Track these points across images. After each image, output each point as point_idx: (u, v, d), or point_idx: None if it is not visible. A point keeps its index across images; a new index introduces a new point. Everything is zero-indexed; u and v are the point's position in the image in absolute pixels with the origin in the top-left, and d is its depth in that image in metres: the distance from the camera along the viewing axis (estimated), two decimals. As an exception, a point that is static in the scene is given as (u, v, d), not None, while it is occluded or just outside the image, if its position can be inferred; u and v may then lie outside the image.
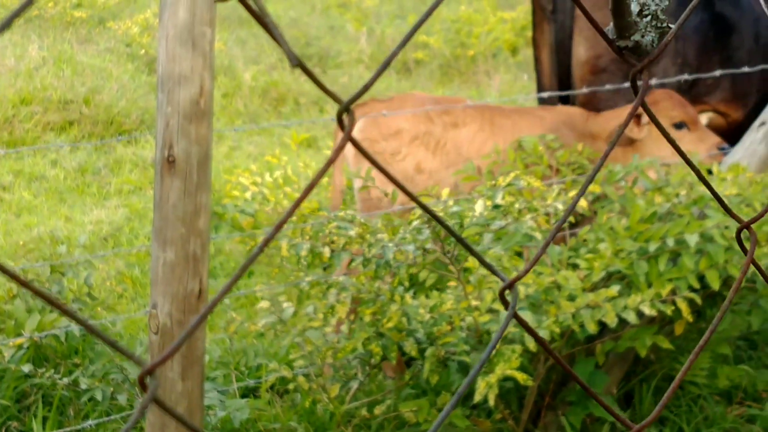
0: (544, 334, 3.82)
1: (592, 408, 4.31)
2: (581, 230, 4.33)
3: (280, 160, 5.23)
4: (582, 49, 5.51)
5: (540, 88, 5.81)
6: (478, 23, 11.57)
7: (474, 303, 3.93)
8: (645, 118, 5.11)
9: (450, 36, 11.43)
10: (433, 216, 0.93)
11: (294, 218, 4.23)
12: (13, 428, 4.36)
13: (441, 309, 3.95)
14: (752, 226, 1.20)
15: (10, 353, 4.37)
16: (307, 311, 4.07)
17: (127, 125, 8.59)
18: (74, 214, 7.12)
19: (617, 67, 5.39)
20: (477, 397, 3.77)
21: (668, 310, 3.96)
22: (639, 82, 1.10)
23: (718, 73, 5.36)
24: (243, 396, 4.73)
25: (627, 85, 5.26)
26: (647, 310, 3.91)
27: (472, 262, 4.00)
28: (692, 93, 5.40)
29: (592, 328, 3.87)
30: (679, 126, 5.11)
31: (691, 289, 4.09)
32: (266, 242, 0.75)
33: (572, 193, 4.24)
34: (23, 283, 0.68)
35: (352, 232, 4.05)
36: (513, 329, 3.89)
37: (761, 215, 1.15)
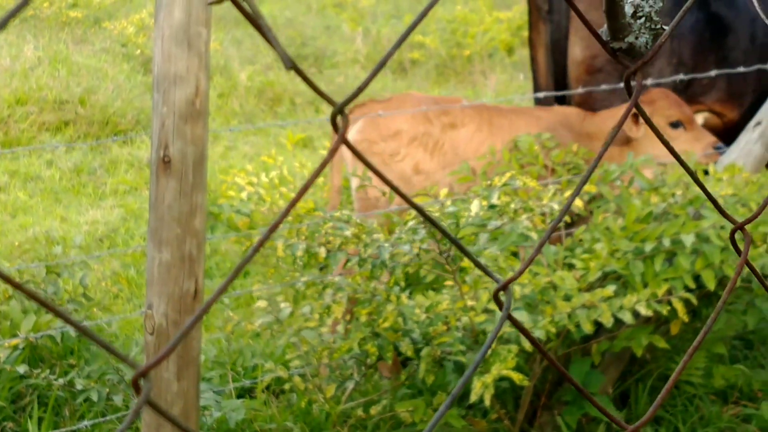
0: (540, 334, 3.83)
1: (588, 408, 4.31)
2: (577, 230, 4.33)
3: (276, 160, 5.23)
4: (578, 49, 5.51)
5: (536, 88, 5.81)
6: (474, 23, 11.58)
7: (470, 303, 3.93)
8: (648, 111, 5.12)
9: (446, 36, 11.43)
10: (428, 218, 0.93)
11: (290, 218, 4.23)
12: (8, 429, 4.36)
13: (437, 309, 3.95)
14: (746, 226, 1.20)
15: (5, 354, 4.37)
16: (303, 311, 4.07)
17: (123, 125, 8.59)
18: (70, 214, 7.12)
19: (613, 67, 5.39)
20: (473, 397, 3.77)
21: (664, 310, 3.97)
22: (633, 84, 1.10)
23: (713, 73, 5.36)
24: (239, 396, 4.72)
25: (622, 85, 5.26)
26: (643, 310, 3.92)
27: (468, 262, 4.00)
28: (688, 93, 5.40)
29: (587, 328, 3.87)
30: (675, 125, 5.12)
31: (687, 289, 4.09)
32: (260, 244, 0.75)
33: (568, 193, 4.25)
34: (16, 285, 0.68)
35: (348, 233, 4.05)
36: (509, 329, 3.89)
37: (755, 216, 1.15)
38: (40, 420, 4.34)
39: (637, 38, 1.06)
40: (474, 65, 11.09)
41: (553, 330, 3.86)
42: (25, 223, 6.87)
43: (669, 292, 4.06)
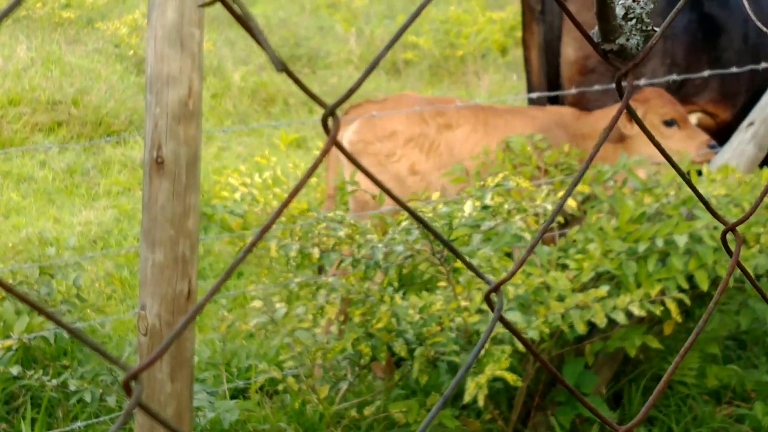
0: (533, 334, 3.83)
1: (581, 408, 4.32)
2: (570, 230, 4.33)
3: (270, 160, 5.22)
4: (571, 50, 5.52)
5: (530, 89, 5.81)
6: (467, 23, 11.58)
7: (463, 304, 3.93)
8: (636, 113, 5.12)
9: (439, 36, 11.43)
10: (420, 221, 0.93)
11: (283, 219, 4.23)
12: (1, 430, 4.35)
13: (430, 310, 3.95)
14: (738, 227, 1.20)
15: (-2, 355, 4.36)
16: (296, 312, 4.07)
17: (116, 126, 8.58)
18: (63, 215, 7.11)
19: (606, 67, 5.39)
20: (466, 398, 3.77)
21: (657, 311, 3.97)
22: (624, 84, 1.10)
23: (706, 73, 5.37)
24: (232, 397, 4.72)
25: (613, 81, 5.27)
26: (636, 311, 3.92)
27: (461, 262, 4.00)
28: (681, 93, 5.41)
29: (581, 329, 3.88)
30: (669, 123, 5.13)
31: (680, 289, 4.09)
32: (250, 247, 0.75)
33: (561, 194, 4.25)
34: (6, 288, 0.67)
35: (342, 233, 4.05)
36: (503, 329, 3.89)
37: (746, 218, 1.15)
38: (33, 421, 4.33)
39: (628, 40, 1.06)
40: (467, 66, 11.09)
41: (547, 330, 3.86)
42: (18, 224, 6.86)
43: (662, 293, 4.06)
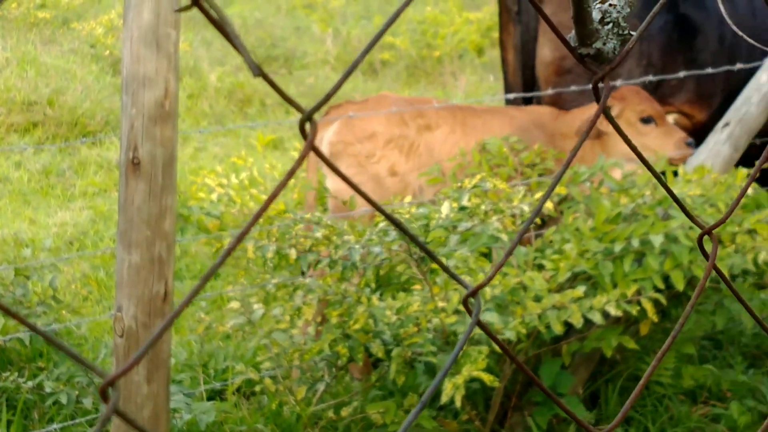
0: (510, 335, 3.83)
1: (558, 408, 4.33)
2: (547, 231, 4.34)
3: (246, 161, 5.22)
4: (547, 51, 5.53)
5: (507, 89, 5.82)
6: (443, 24, 11.59)
7: (440, 304, 3.93)
8: (613, 110, 5.14)
9: (416, 37, 11.43)
10: (397, 225, 0.93)
11: (260, 220, 4.22)
12: (-23, 433, 4.33)
13: (408, 310, 3.95)
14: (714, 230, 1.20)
15: (-27, 357, 4.34)
16: (273, 313, 4.06)
17: (92, 127, 8.55)
18: (38, 216, 7.07)
19: (582, 68, 5.40)
20: (444, 399, 3.77)
21: (633, 311, 3.98)
22: (601, 86, 1.10)
23: (682, 74, 5.39)
24: (209, 398, 4.71)
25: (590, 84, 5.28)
26: (613, 311, 3.93)
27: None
28: (657, 94, 5.43)
29: (558, 329, 3.89)
30: (646, 121, 5.14)
31: (656, 289, 4.11)
32: (229, 251, 0.75)
33: (538, 195, 4.26)
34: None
35: (319, 234, 4.05)
36: (480, 330, 3.89)
37: (722, 222, 1.15)
38: (9, 423, 4.31)
39: (604, 44, 1.07)
40: (444, 66, 11.10)
41: (524, 331, 3.87)
42: (-6, 225, 6.83)
43: (638, 293, 4.08)
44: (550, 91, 5.38)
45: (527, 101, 5.67)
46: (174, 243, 3.37)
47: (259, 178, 5.28)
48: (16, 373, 4.29)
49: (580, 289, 3.97)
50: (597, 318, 3.90)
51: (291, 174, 0.78)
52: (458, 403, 3.72)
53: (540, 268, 4.19)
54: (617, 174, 4.61)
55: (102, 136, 8.16)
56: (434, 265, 3.99)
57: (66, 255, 6.14)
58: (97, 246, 6.60)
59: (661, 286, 4.07)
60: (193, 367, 4.97)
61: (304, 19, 12.10)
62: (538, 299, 3.98)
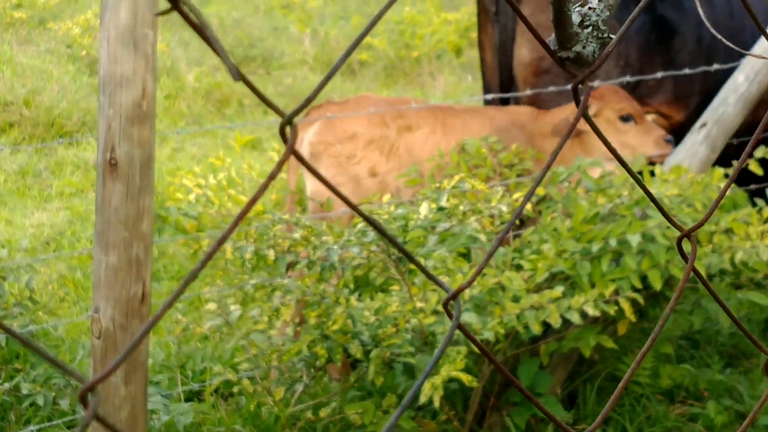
0: (488, 335, 3.84)
1: (536, 408, 4.33)
2: (525, 231, 4.35)
3: (224, 162, 5.21)
4: (525, 51, 5.53)
5: (486, 90, 5.83)
6: (422, 25, 11.59)
7: (419, 305, 3.93)
8: (592, 109, 5.15)
9: (394, 37, 11.43)
10: (377, 228, 0.93)
11: (236, 217, 4.19)
12: (-47, 435, 4.30)
13: (386, 311, 3.95)
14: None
15: (-51, 359, 4.31)
16: (252, 314, 4.05)
17: (69, 127, 8.51)
18: (15, 217, 7.04)
19: (560, 68, 5.41)
20: (422, 399, 3.77)
21: (611, 310, 3.99)
22: (581, 90, 1.11)
23: (659, 74, 5.40)
24: (187, 400, 4.70)
25: (569, 86, 5.29)
26: (591, 311, 3.94)
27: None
28: (635, 95, 5.44)
29: (536, 329, 3.89)
30: (625, 119, 5.16)
31: (634, 289, 4.12)
32: (209, 256, 0.74)
33: (516, 195, 4.26)
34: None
35: (297, 235, 4.05)
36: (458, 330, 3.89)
37: (701, 224, 1.16)
38: (-15, 425, 4.29)
39: (584, 47, 1.07)
40: (422, 66, 11.11)
41: (502, 331, 3.87)
42: (-30, 226, 6.79)
43: (616, 292, 4.09)
44: (528, 92, 5.39)
45: (505, 101, 5.68)
46: (151, 244, 3.36)
47: (237, 178, 5.27)
48: (-7, 375, 4.27)
49: (559, 289, 3.97)
50: (575, 318, 3.91)
51: (272, 177, 0.78)
52: (437, 404, 3.72)
53: (518, 268, 4.19)
54: (596, 173, 4.62)
55: (79, 136, 8.13)
56: (413, 266, 3.99)
57: (43, 256, 6.12)
58: (74, 247, 6.57)
59: (638, 285, 4.09)
60: (170, 368, 4.96)
61: (282, 19, 12.09)
62: (516, 299, 3.99)
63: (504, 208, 4.13)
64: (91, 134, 8.01)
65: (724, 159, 5.24)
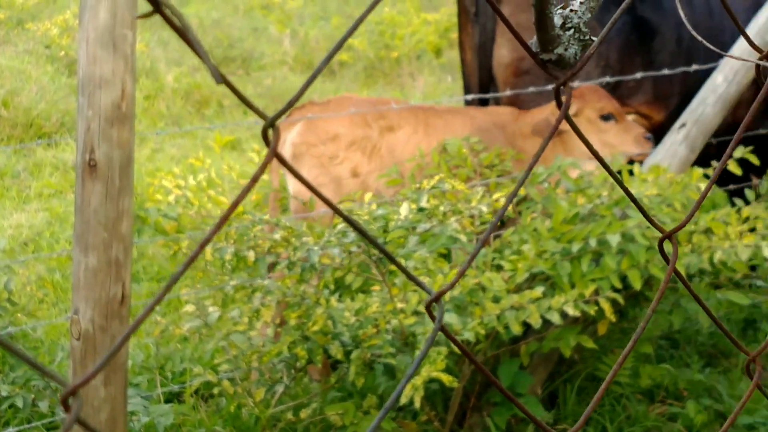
0: (469, 335, 3.84)
1: (516, 409, 4.34)
2: (505, 232, 4.35)
3: (204, 162, 5.19)
4: (505, 52, 5.54)
5: (466, 90, 5.83)
6: (401, 25, 11.59)
7: (399, 306, 3.93)
8: (573, 108, 5.16)
9: (374, 38, 11.43)
10: (359, 230, 0.93)
11: (218, 220, 4.18)
12: (-69, 437, 4.28)
13: (366, 312, 3.95)
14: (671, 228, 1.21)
15: (-72, 361, 4.29)
16: (231, 315, 4.05)
17: (47, 128, 8.48)
18: (-7, 218, 7.01)
19: (540, 69, 5.41)
20: (403, 400, 3.77)
21: (591, 310, 4.00)
22: (563, 93, 1.11)
23: (639, 75, 5.42)
24: (167, 401, 4.69)
25: (550, 87, 5.30)
26: (571, 311, 3.95)
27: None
28: (615, 95, 5.46)
29: (516, 330, 3.90)
30: (606, 118, 5.17)
31: (614, 289, 4.13)
32: (191, 260, 0.74)
33: (496, 195, 4.27)
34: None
35: (277, 236, 4.04)
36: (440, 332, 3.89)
37: (682, 226, 1.16)
38: (-37, 428, 4.27)
39: (566, 49, 1.07)
40: (402, 67, 11.11)
41: (482, 332, 3.87)
42: (-52, 228, 6.76)
43: (596, 293, 4.10)
44: (508, 92, 5.40)
45: (484, 102, 5.68)
46: (131, 245, 3.35)
47: (217, 179, 5.26)
48: (-28, 377, 4.25)
49: (539, 290, 3.98)
50: (555, 318, 3.92)
51: (254, 180, 0.77)
52: (417, 404, 3.72)
53: (498, 268, 4.20)
54: (575, 173, 4.63)
55: (57, 137, 8.10)
56: (393, 266, 3.99)
57: (21, 257, 6.09)
58: (52, 248, 6.55)
59: (618, 285, 4.09)
60: (150, 369, 4.94)
61: (262, 19, 12.07)
62: (496, 300, 3.99)
63: (484, 209, 4.13)
64: (69, 135, 7.98)
65: (703, 159, 5.26)
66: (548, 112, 5.18)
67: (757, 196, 4.88)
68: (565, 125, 5.14)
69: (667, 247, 1.19)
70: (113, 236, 3.26)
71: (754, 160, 4.84)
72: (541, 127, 5.16)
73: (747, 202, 4.88)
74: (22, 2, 10.91)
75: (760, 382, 1.24)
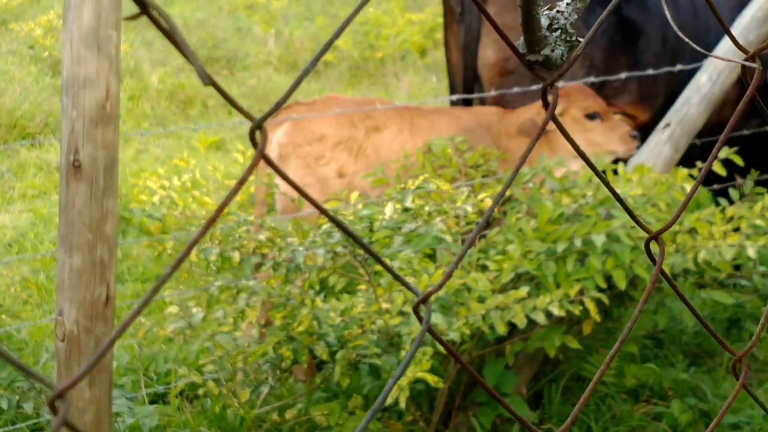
0: (454, 336, 3.84)
1: (501, 409, 4.34)
2: (490, 232, 4.35)
3: (189, 163, 5.19)
4: (490, 52, 5.54)
5: (452, 90, 5.83)
6: (386, 25, 11.59)
7: (384, 306, 3.93)
8: (558, 108, 5.17)
9: (358, 38, 11.43)
10: (345, 230, 0.93)
11: (202, 221, 4.19)
12: None
13: (352, 312, 3.95)
14: (655, 227, 1.21)
15: None
16: (216, 316, 4.04)
17: (31, 129, 8.45)
18: (-23, 219, 6.99)
19: (525, 69, 5.42)
20: (388, 400, 3.77)
21: (576, 310, 4.01)
22: (550, 95, 1.11)
23: (623, 75, 5.43)
24: (152, 402, 4.68)
25: (535, 87, 5.31)
26: (556, 311, 3.95)
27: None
28: (600, 95, 5.47)
29: (501, 330, 3.90)
30: (592, 116, 5.18)
31: (599, 288, 4.14)
32: (179, 262, 0.74)
33: (481, 196, 4.27)
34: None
35: (262, 236, 4.04)
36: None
37: (668, 226, 1.16)
38: (-53, 430, 4.25)
39: (553, 51, 1.07)
40: (387, 67, 11.11)
41: (468, 332, 3.87)
42: (-69, 229, 6.73)
43: (581, 292, 4.10)
44: (493, 92, 5.40)
45: (468, 101, 5.69)
46: (116, 246, 3.34)
47: (202, 180, 5.26)
48: (-45, 379, 4.23)
49: (524, 290, 3.98)
50: (540, 318, 3.92)
51: (241, 183, 0.77)
52: (402, 405, 3.72)
53: (484, 269, 4.20)
54: (560, 173, 4.64)
55: (41, 138, 8.07)
56: (378, 267, 3.99)
57: (5, 258, 6.07)
58: (36, 249, 6.53)
59: (603, 285, 4.10)
60: (135, 370, 4.93)
61: (246, 20, 12.06)
62: (482, 300, 3.99)
63: (469, 209, 4.13)
64: (53, 136, 7.96)
65: (687, 159, 5.27)
66: (534, 111, 5.19)
67: (742, 196, 4.90)
68: (551, 124, 5.15)
69: (654, 247, 1.19)
70: (98, 237, 3.25)
71: (739, 161, 4.86)
72: (526, 127, 5.16)
73: (731, 202, 4.89)
74: (6, 2, 10.88)
75: (746, 382, 1.25)
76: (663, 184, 4.44)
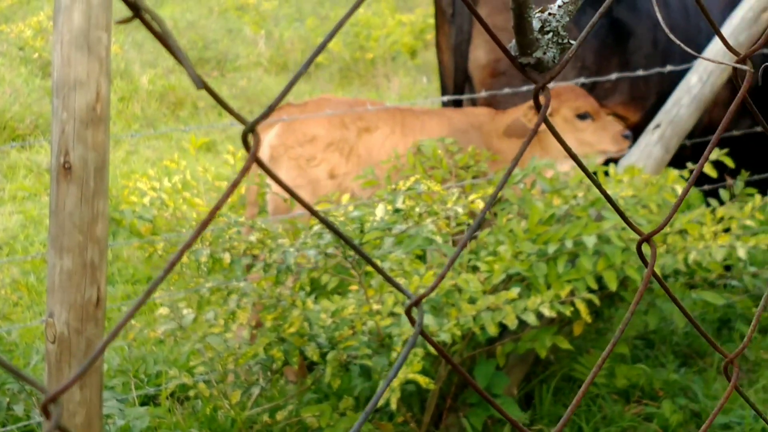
0: (445, 337, 3.84)
1: (492, 410, 4.34)
2: (481, 233, 4.36)
3: (179, 164, 5.19)
4: (482, 53, 5.55)
5: (443, 91, 5.83)
6: (376, 26, 11.60)
7: (375, 307, 3.93)
8: (549, 108, 5.17)
9: (349, 39, 11.43)
10: (336, 232, 0.93)
11: (193, 222, 4.19)
12: None
13: (343, 313, 3.95)
14: (645, 227, 1.21)
15: None
16: (207, 317, 4.04)
17: (21, 130, 8.44)
18: (-33, 220, 6.97)
19: (516, 70, 5.42)
20: (380, 402, 3.77)
21: (567, 311, 4.01)
22: (541, 96, 1.11)
23: (614, 76, 5.43)
24: (142, 404, 4.67)
25: (526, 88, 5.31)
26: (547, 312, 3.96)
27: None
28: (591, 96, 5.47)
29: (492, 331, 3.90)
30: (583, 116, 5.18)
31: (589, 289, 4.14)
32: (172, 265, 0.74)
33: (472, 197, 4.27)
34: None
35: (253, 238, 4.03)
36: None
37: (660, 228, 1.16)
38: (-63, 432, 4.24)
39: (545, 53, 1.07)
40: (377, 68, 11.11)
41: (459, 333, 3.88)
42: None
43: (572, 293, 4.11)
44: (484, 93, 5.40)
45: (459, 102, 5.69)
46: (106, 248, 3.33)
47: (192, 181, 5.25)
48: (-54, 381, 4.22)
49: (515, 291, 3.99)
50: (531, 319, 3.92)
51: (234, 185, 0.77)
52: (393, 406, 3.72)
53: (474, 269, 4.20)
54: (550, 173, 4.64)
55: (31, 140, 8.05)
56: (369, 268, 3.99)
57: (-5, 260, 6.06)
58: (27, 251, 6.52)
59: (594, 286, 4.11)
60: (125, 372, 4.92)
61: (236, 21, 12.05)
62: (472, 301, 3.99)
63: (460, 210, 4.14)
64: (44, 137, 7.94)
65: (678, 160, 5.28)
66: (520, 112, 5.19)
67: (732, 197, 4.91)
68: (542, 126, 5.15)
69: (645, 249, 1.20)
70: (88, 239, 3.25)
71: (729, 162, 4.86)
72: (512, 128, 5.17)
73: (722, 203, 4.90)
74: (-4, 4, 10.86)
75: (737, 383, 1.25)
76: (654, 186, 4.45)
